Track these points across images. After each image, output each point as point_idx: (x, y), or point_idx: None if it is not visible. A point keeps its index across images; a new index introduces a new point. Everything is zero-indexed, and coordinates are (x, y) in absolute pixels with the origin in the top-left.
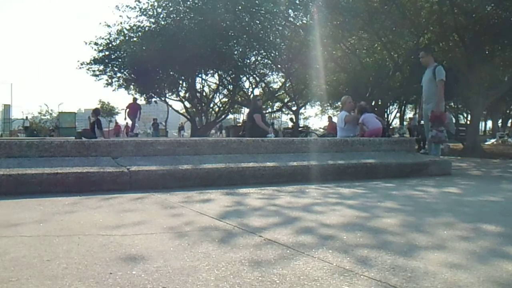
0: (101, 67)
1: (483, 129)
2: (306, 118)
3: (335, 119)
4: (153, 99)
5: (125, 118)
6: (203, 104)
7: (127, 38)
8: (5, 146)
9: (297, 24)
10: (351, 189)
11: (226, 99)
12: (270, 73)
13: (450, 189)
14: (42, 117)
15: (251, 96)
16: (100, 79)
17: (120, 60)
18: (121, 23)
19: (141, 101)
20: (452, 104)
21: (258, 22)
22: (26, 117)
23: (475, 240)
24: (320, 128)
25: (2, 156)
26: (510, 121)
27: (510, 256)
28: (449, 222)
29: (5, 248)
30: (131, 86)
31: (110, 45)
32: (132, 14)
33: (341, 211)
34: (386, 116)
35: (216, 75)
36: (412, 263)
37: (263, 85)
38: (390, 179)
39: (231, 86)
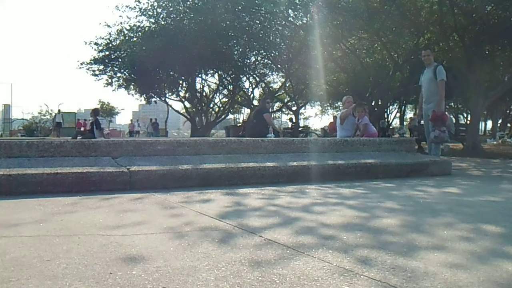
0: (101, 67)
1: (483, 129)
2: (306, 118)
3: None
4: (153, 99)
5: None
6: (203, 104)
7: (127, 38)
8: (5, 146)
9: (297, 24)
10: (351, 189)
11: (226, 99)
12: (270, 73)
13: (450, 189)
14: (42, 117)
15: (251, 96)
16: (100, 79)
17: (120, 60)
18: (121, 23)
19: (141, 101)
20: (452, 104)
21: (258, 22)
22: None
23: (475, 240)
24: (321, 128)
25: (2, 156)
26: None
27: (510, 256)
28: (449, 222)
29: (5, 248)
30: (131, 86)
31: (110, 45)
32: (132, 14)
33: (341, 211)
34: (386, 116)
35: (216, 75)
36: (412, 263)
37: (263, 85)
38: (390, 179)
39: (231, 86)
